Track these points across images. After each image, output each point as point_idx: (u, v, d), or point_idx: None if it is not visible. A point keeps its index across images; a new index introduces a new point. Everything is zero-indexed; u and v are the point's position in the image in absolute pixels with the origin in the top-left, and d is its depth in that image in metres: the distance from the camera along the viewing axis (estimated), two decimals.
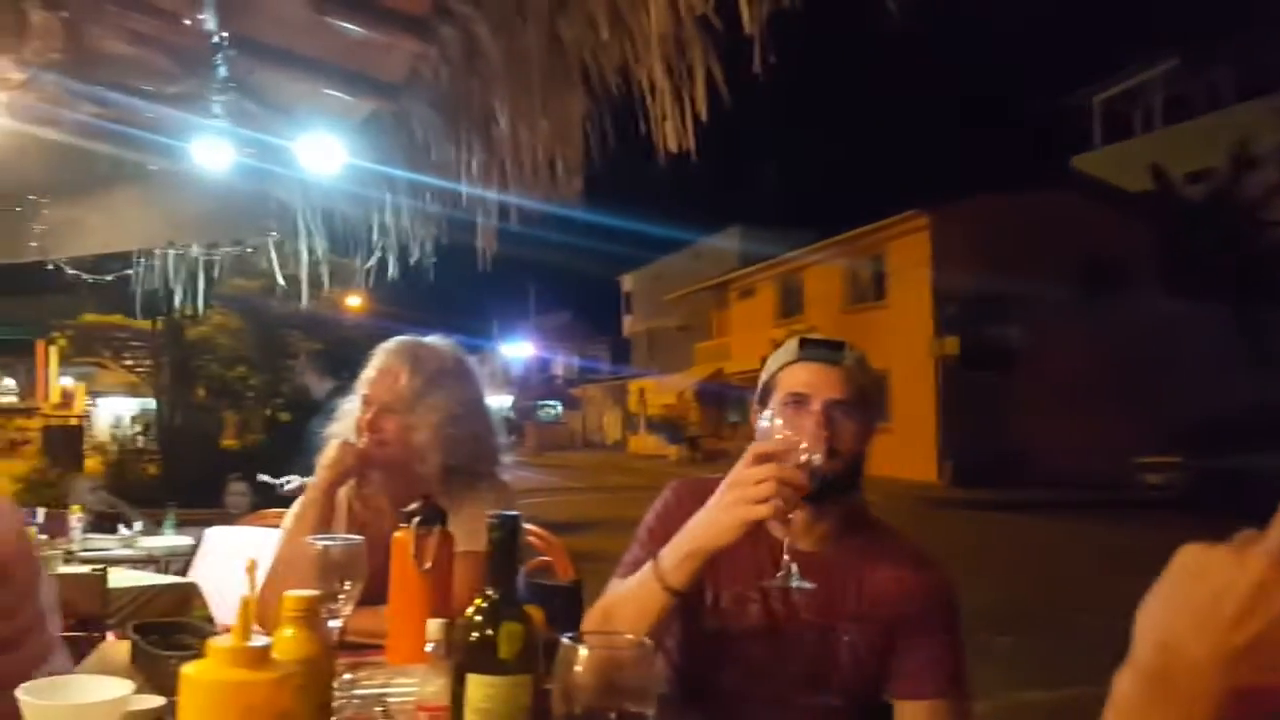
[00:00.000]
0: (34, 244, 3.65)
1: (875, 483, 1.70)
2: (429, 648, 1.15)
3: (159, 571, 4.43)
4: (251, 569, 0.96)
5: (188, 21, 2.40)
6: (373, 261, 3.84)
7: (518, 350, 48.33)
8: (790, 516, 1.30)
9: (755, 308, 28.54)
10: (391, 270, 3.88)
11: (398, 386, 1.80)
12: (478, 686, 0.95)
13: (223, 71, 2.62)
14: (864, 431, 1.47)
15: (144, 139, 3.21)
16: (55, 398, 12.44)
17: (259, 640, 0.85)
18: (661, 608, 1.33)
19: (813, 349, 1.49)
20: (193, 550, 4.20)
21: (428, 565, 1.50)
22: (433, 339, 1.93)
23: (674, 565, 1.33)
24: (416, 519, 1.53)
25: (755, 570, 1.44)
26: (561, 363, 50.18)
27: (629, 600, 1.38)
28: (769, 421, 1.37)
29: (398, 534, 1.53)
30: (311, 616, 1.05)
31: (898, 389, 19.73)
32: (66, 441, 11.76)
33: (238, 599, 0.89)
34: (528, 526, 2.13)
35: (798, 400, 1.44)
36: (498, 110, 2.50)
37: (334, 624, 1.30)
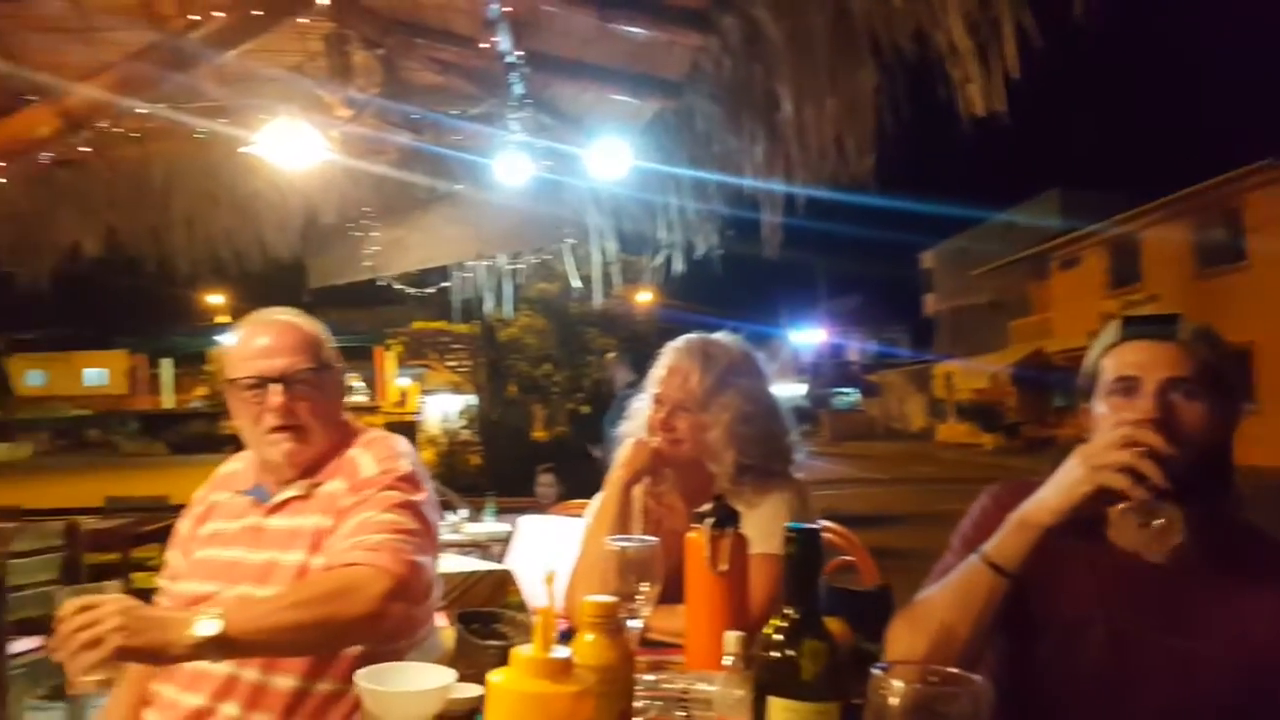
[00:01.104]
0: (366, 264, 4.24)
1: (1241, 473, 1.43)
2: (726, 660, 1.15)
3: (482, 556, 4.92)
4: (550, 581, 1.02)
5: (485, 45, 2.63)
6: (660, 259, 3.99)
7: (808, 336, 47.87)
8: (1156, 521, 1.13)
9: (1081, 278, 25.92)
10: (678, 264, 4.00)
11: (689, 385, 1.84)
12: (780, 711, 0.94)
13: (519, 89, 2.85)
14: (1217, 416, 1.25)
15: (453, 161, 3.60)
16: (394, 397, 14.35)
17: (560, 651, 0.90)
18: (989, 593, 1.20)
19: (1139, 325, 1.30)
20: (510, 537, 4.60)
21: (722, 568, 1.52)
22: (721, 335, 1.96)
23: (1002, 538, 1.20)
24: (710, 520, 1.55)
25: (1096, 589, 1.28)
26: (856, 348, 48.96)
27: (947, 595, 1.25)
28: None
29: (691, 534, 1.57)
30: (611, 622, 1.09)
31: (1267, 364, 16.91)
32: (406, 435, 13.53)
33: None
34: (825, 524, 2.08)
35: (1126, 385, 1.26)
36: (781, 94, 2.48)
37: (634, 624, 1.35)
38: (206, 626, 1.24)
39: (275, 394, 1.52)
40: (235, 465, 1.70)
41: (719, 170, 3.09)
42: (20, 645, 2.99)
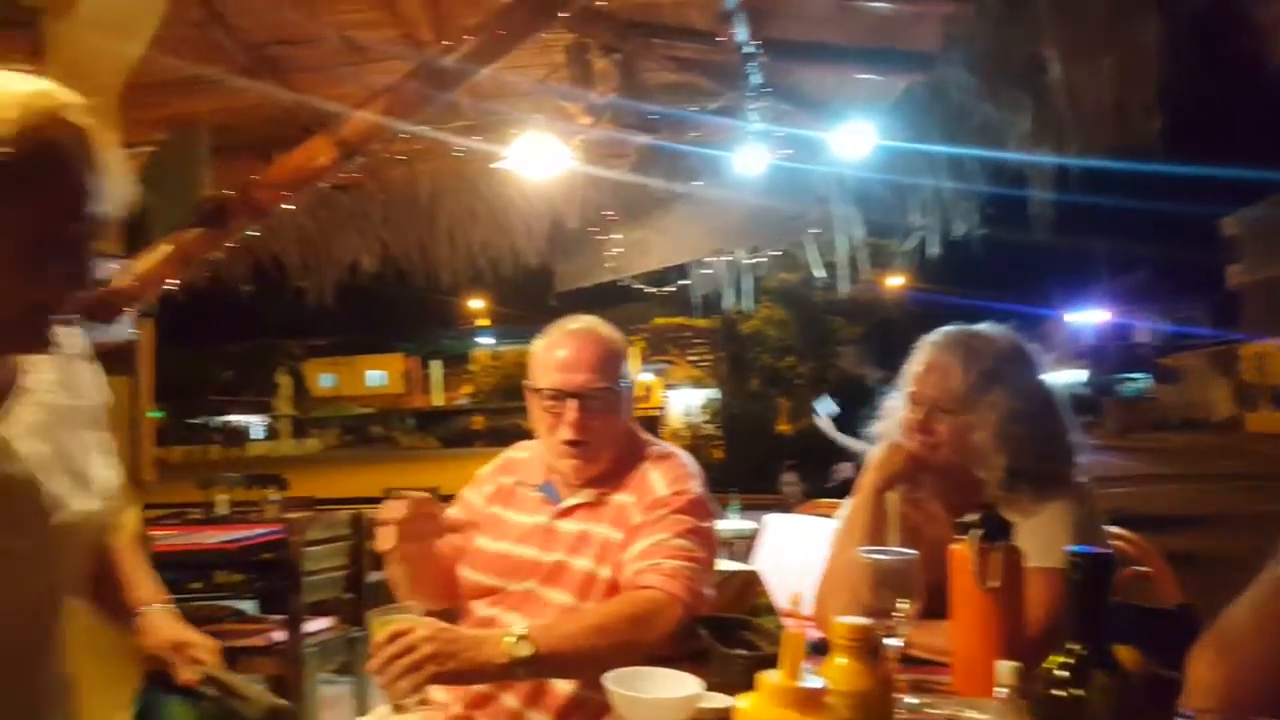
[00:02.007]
0: (609, 265, 4.42)
1: None
2: (999, 691, 1.08)
3: (728, 555, 4.98)
4: (795, 603, 1.00)
5: (722, 38, 2.65)
6: (913, 242, 3.82)
7: (1088, 317, 43.98)
8: None
9: None
10: (933, 247, 3.81)
11: (948, 383, 1.73)
12: None
13: (756, 79, 2.84)
14: None
15: (691, 158, 3.66)
16: (639, 391, 14.89)
17: (811, 681, 0.88)
18: None
19: None
20: (754, 534, 4.60)
21: (992, 585, 1.42)
22: (985, 326, 1.82)
23: None
24: (977, 531, 1.46)
25: None
26: (1146, 328, 44.35)
27: (1263, 617, 1.06)
28: None
29: (956, 546, 1.48)
30: (866, 644, 1.05)
31: None
32: (649, 429, 13.99)
33: (795, 587, 0.93)
34: (1115, 530, 1.90)
35: None
36: (1047, 57, 2.29)
37: (892, 642, 1.30)
38: (520, 648, 1.34)
39: (571, 409, 1.61)
40: (523, 454, 1.80)
41: (978, 145, 2.91)
42: (313, 625, 3.33)
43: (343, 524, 3.77)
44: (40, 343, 0.98)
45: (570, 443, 1.61)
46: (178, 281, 2.87)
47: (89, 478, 1.08)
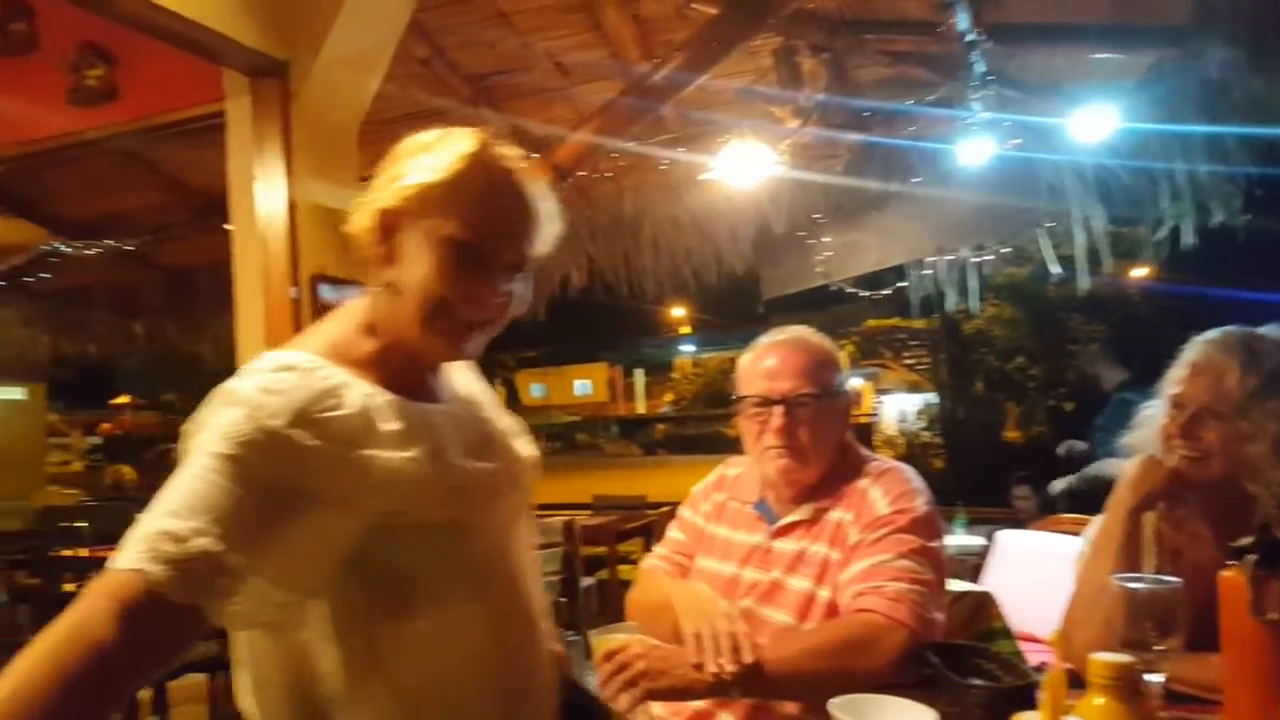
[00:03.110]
0: (819, 270, 4.38)
1: None
2: None
3: (953, 573, 4.77)
4: (1057, 643, 0.96)
5: (941, 28, 2.58)
6: (1164, 231, 3.54)
7: None
8: None
9: None
10: (1187, 236, 3.51)
11: (1223, 386, 1.58)
12: None
13: (980, 67, 2.74)
14: None
15: (908, 154, 3.57)
16: None
17: None
18: None
19: None
20: (984, 552, 4.40)
21: (1271, 617, 1.31)
22: (1271, 329, 1.67)
23: None
24: (1252, 556, 1.34)
25: None
26: None
27: None
28: None
29: (1226, 573, 1.37)
30: (1126, 684, 1.00)
31: None
32: (861, 436, 13.65)
33: (1031, 610, 0.90)
34: None
35: None
36: None
37: (1154, 678, 1.23)
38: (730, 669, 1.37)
39: (777, 415, 1.61)
40: (736, 470, 1.82)
41: (1241, 122, 2.66)
42: None
43: (556, 530, 3.95)
44: (465, 354, 1.13)
45: (775, 447, 1.61)
46: None
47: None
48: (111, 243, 5.12)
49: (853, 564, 1.53)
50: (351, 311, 1.12)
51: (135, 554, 0.86)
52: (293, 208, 2.92)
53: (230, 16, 2.76)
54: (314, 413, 0.95)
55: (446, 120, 3.53)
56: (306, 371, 0.98)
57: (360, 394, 1.00)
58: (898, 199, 4.04)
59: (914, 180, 3.75)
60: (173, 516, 0.88)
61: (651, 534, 4.80)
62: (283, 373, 0.97)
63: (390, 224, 1.05)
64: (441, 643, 1.01)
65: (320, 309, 2.98)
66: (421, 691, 0.99)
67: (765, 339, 1.73)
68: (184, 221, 4.96)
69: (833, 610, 1.53)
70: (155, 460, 10.10)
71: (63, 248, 5.27)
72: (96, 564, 3.77)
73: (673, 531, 1.82)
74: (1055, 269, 4.48)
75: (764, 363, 1.67)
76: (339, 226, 3.20)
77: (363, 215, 1.07)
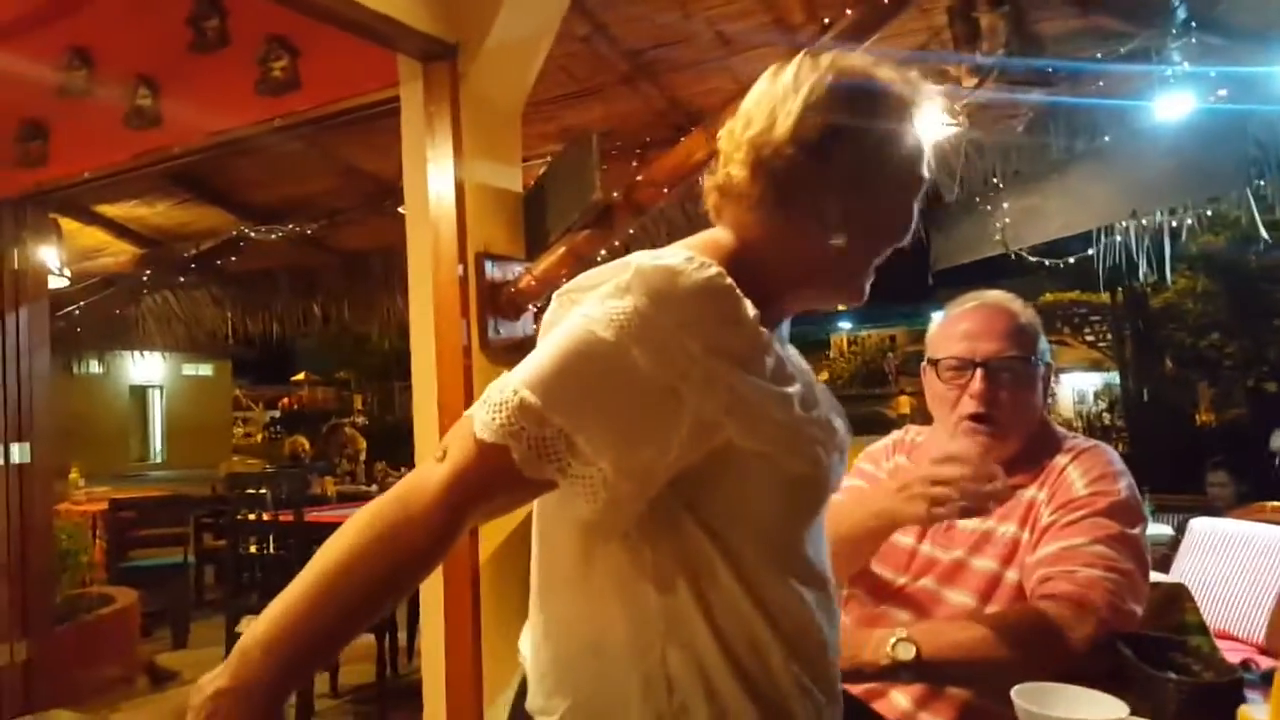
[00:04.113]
0: (996, 239, 4.18)
1: None
2: None
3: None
4: None
5: None
6: None
7: None
8: None
9: None
10: None
11: None
12: None
13: (1182, 14, 2.54)
14: None
15: (1095, 112, 3.35)
16: None
17: None
18: None
19: None
20: (1173, 541, 4.16)
21: None
22: None
23: None
24: None
25: None
26: None
27: None
28: None
29: None
30: None
31: None
32: None
33: (1229, 604, 0.85)
34: None
35: None
36: None
37: None
38: (904, 650, 1.33)
39: (977, 379, 1.53)
40: (919, 436, 1.76)
41: None
42: None
43: None
44: (862, 296, 1.10)
45: (974, 416, 1.53)
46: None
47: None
48: (293, 227, 5.47)
49: (1043, 546, 1.46)
50: (704, 246, 1.03)
51: (491, 423, 0.87)
52: (460, 188, 3.03)
53: (405, 3, 2.89)
54: (714, 321, 0.90)
55: (606, 97, 3.60)
56: (717, 276, 0.92)
57: (753, 314, 0.94)
58: (1083, 160, 3.81)
59: (1102, 139, 3.52)
60: (530, 386, 0.87)
61: None
62: (692, 271, 0.91)
63: (802, 160, 1.00)
64: (763, 598, 0.96)
65: (485, 285, 3.09)
66: (738, 645, 0.95)
67: (960, 301, 1.66)
68: (357, 206, 5.24)
69: (1019, 594, 1.47)
70: (329, 433, 10.78)
71: (249, 232, 5.68)
72: (276, 528, 4.04)
73: (851, 480, 1.75)
74: (1263, 235, 4.12)
75: (963, 324, 1.60)
76: (504, 205, 3.30)
77: (760, 150, 1.02)
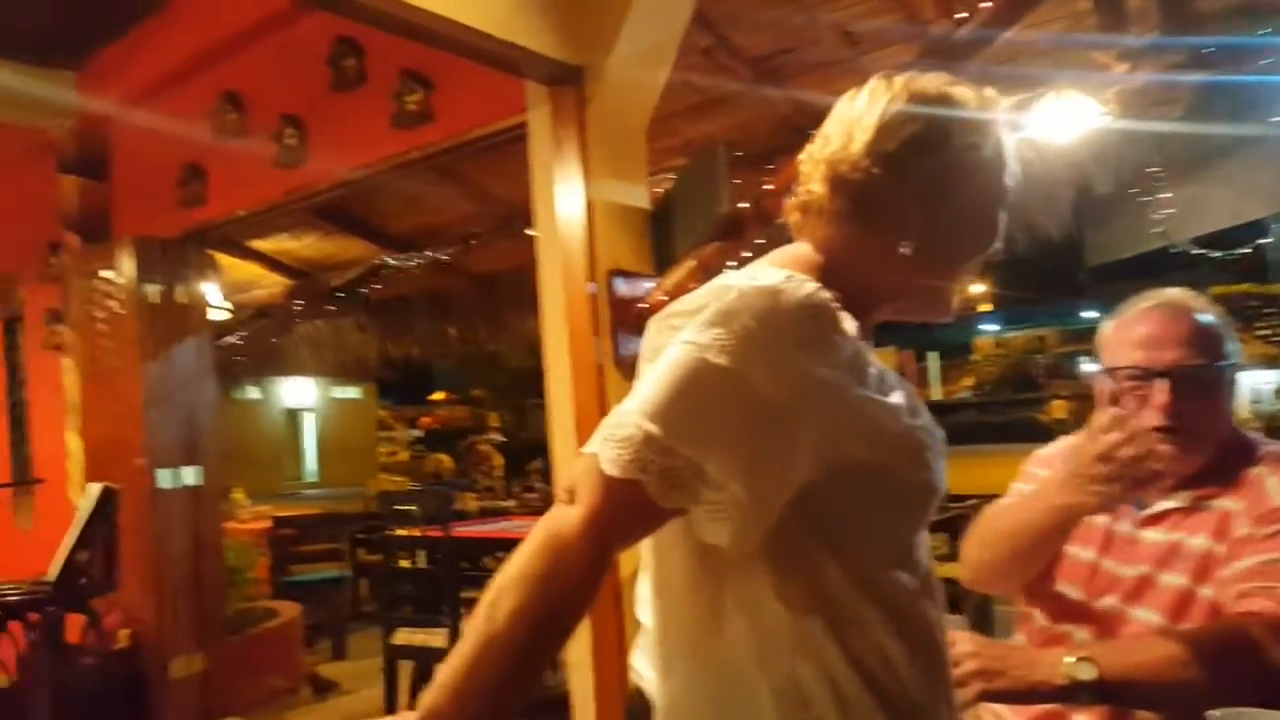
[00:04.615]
0: (1156, 231, 3.93)
1: None
2: None
3: None
4: None
5: None
6: None
7: None
8: None
9: None
10: None
11: None
12: None
13: None
14: None
15: (1261, 92, 3.12)
16: None
17: None
18: None
19: None
20: None
21: None
22: None
23: None
24: None
25: None
26: None
27: None
28: None
29: None
30: None
31: None
32: None
33: None
34: None
35: None
36: None
37: None
38: (1084, 670, 1.25)
39: (1160, 390, 1.43)
40: (1051, 450, 1.67)
41: None
42: None
43: None
44: (949, 310, 1.14)
45: (1159, 429, 1.41)
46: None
47: None
48: (429, 253, 5.68)
49: (1239, 560, 1.35)
50: (792, 262, 1.04)
51: (619, 459, 0.88)
52: (590, 207, 3.08)
53: (531, 30, 2.96)
54: (821, 336, 0.91)
55: (729, 108, 3.60)
56: (817, 292, 0.92)
57: (853, 327, 0.95)
58: (1250, 144, 3.54)
59: (1272, 120, 3.26)
60: (651, 418, 0.88)
61: (956, 530, 4.58)
62: (794, 289, 0.91)
63: (889, 172, 1.02)
64: (885, 606, 0.96)
65: (616, 302, 3.13)
66: (866, 655, 0.94)
67: (1135, 303, 1.54)
68: (489, 230, 5.40)
69: (1215, 612, 1.36)
70: (466, 450, 11.13)
71: (389, 260, 5.94)
72: (425, 542, 4.17)
73: (1020, 484, 1.66)
74: None
75: (1141, 328, 1.48)
76: (631, 222, 3.34)
77: (837, 167, 1.04)
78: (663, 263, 3.18)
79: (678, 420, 0.88)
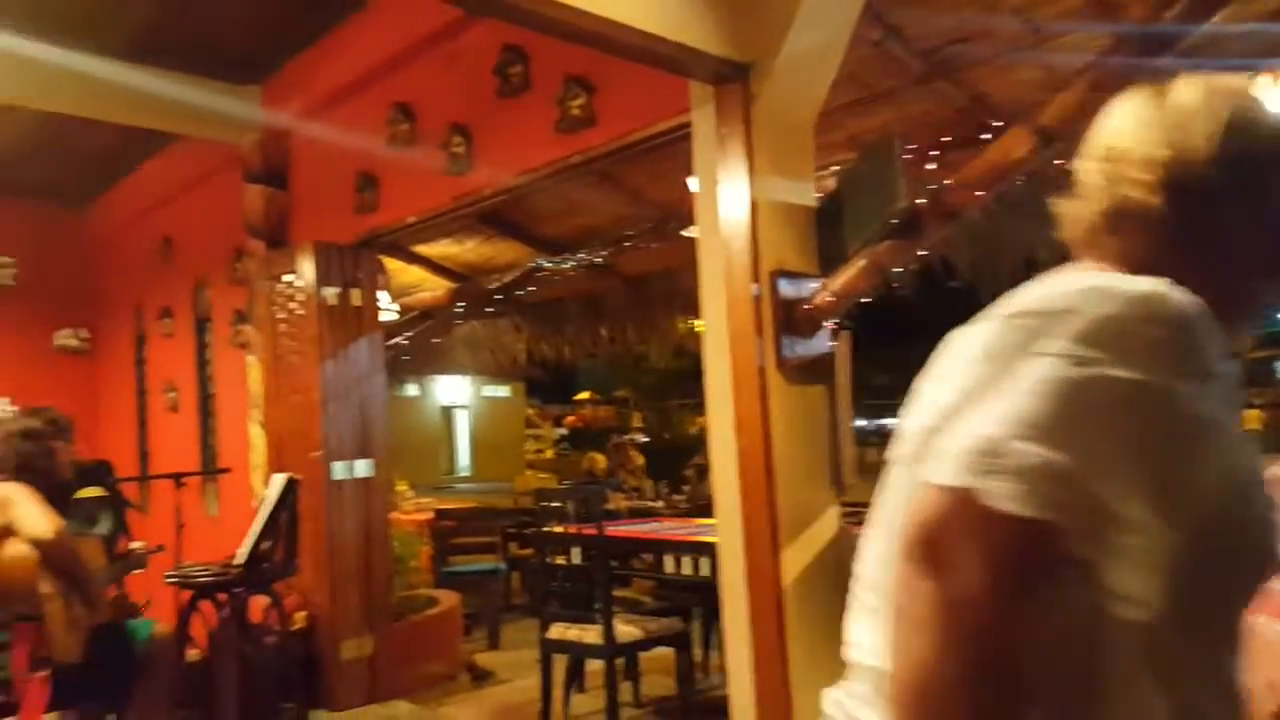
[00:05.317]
0: None
1: None
2: None
3: None
4: None
5: None
6: None
7: None
8: None
9: None
10: None
11: None
12: None
13: None
14: None
15: None
16: None
17: None
18: None
19: None
20: None
21: None
22: None
23: None
24: None
25: None
26: None
27: None
28: None
29: None
30: None
31: None
32: None
33: None
34: None
35: None
36: None
37: None
38: None
39: None
40: None
41: None
42: None
43: None
44: (1262, 325, 1.06)
45: None
46: (869, 294, 3.08)
47: None
48: (584, 255, 5.73)
49: None
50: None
51: (1021, 493, 0.74)
52: (754, 206, 3.01)
53: (697, 29, 2.92)
54: (1213, 357, 0.81)
55: (895, 100, 3.44)
56: (1201, 314, 0.81)
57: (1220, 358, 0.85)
58: None
59: None
60: (1049, 443, 0.75)
61: None
62: (1183, 297, 0.81)
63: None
64: (1207, 673, 0.86)
65: (780, 303, 3.04)
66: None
67: None
68: (642, 231, 5.40)
69: None
70: (613, 449, 11.22)
71: (545, 263, 6.02)
72: (579, 539, 4.16)
73: None
74: None
75: None
76: (796, 220, 3.23)
77: (1172, 172, 0.94)
78: (828, 262, 3.08)
79: (1083, 445, 0.75)
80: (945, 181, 2.68)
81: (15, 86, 4.82)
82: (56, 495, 3.40)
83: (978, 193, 2.57)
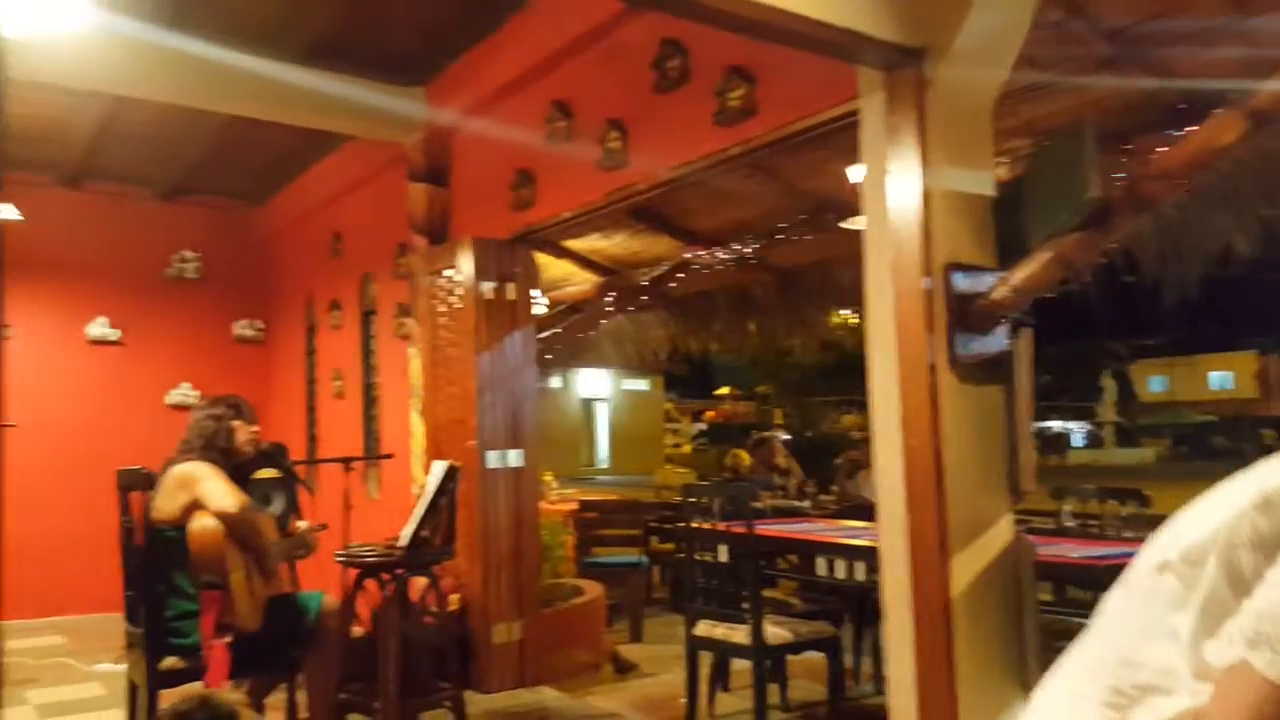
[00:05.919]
0: None
1: None
2: None
3: None
4: None
5: None
6: None
7: None
8: None
9: None
10: None
11: None
12: None
13: None
14: None
15: None
16: None
17: None
18: None
19: None
20: None
21: None
22: None
23: None
24: None
25: None
26: None
27: None
28: None
29: None
30: None
31: None
32: None
33: None
34: None
35: None
36: None
37: None
38: None
39: None
40: None
41: None
42: None
43: None
44: None
45: None
46: (1052, 289, 2.89)
47: None
48: (735, 248, 5.65)
49: None
50: None
51: None
52: (927, 197, 2.86)
53: (867, 14, 2.80)
54: None
55: (1076, 84, 3.17)
56: None
57: None
58: None
59: None
60: None
61: None
62: None
63: None
64: None
65: (953, 298, 2.89)
66: None
67: None
68: (797, 224, 5.27)
69: None
70: (755, 445, 11.10)
71: (694, 257, 5.97)
72: (727, 537, 4.02)
73: None
74: None
75: None
76: (972, 211, 3.05)
77: None
78: (1007, 255, 2.90)
79: None
80: (1140, 170, 2.47)
81: (205, 92, 5.14)
82: (237, 474, 3.60)
83: (1180, 182, 2.36)
